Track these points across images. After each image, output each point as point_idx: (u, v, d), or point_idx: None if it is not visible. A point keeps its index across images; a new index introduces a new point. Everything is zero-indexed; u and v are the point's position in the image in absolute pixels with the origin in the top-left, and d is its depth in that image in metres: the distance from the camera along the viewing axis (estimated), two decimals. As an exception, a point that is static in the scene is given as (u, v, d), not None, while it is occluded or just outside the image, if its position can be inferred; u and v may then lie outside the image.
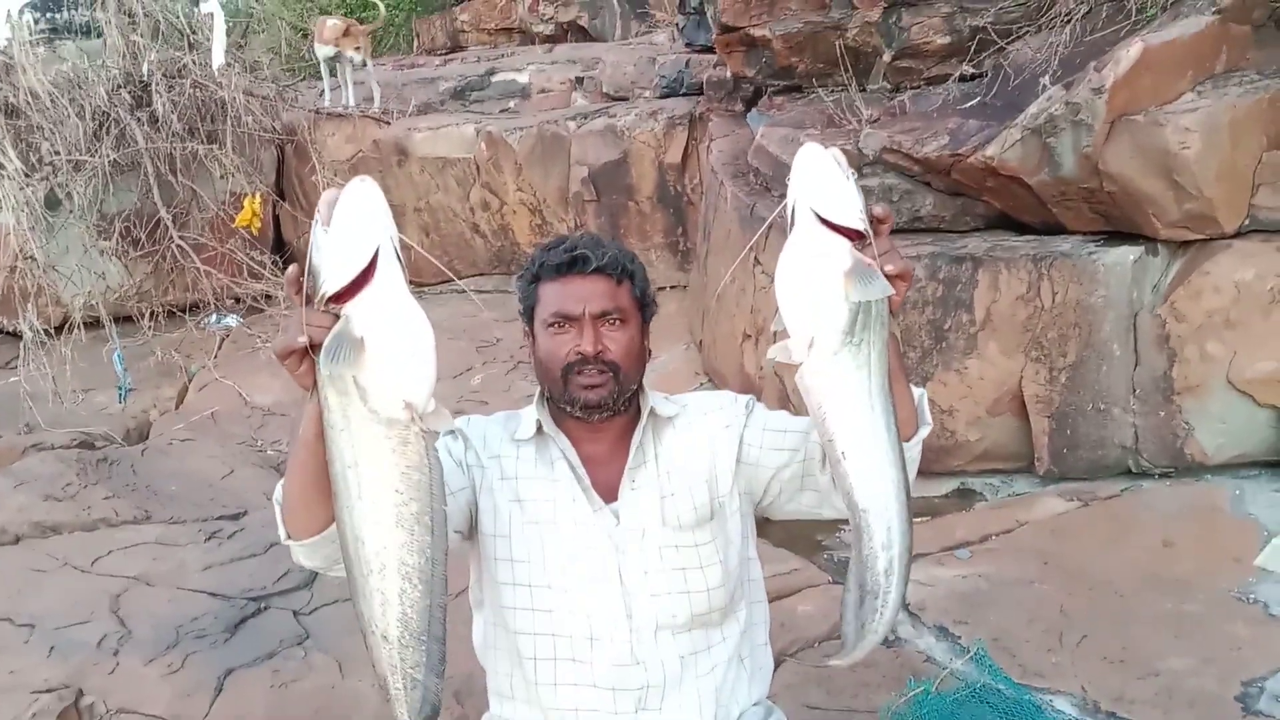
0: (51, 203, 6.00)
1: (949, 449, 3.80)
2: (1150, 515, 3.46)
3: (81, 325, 5.70)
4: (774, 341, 1.37)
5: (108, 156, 6.00)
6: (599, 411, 1.63)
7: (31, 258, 5.77)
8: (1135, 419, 3.63)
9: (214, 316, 6.38)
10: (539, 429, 1.68)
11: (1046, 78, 3.64)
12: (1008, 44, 4.02)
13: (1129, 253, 3.57)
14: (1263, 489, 3.52)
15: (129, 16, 6.57)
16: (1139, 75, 3.40)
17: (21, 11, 6.86)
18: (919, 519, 3.70)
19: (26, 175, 5.89)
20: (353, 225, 1.19)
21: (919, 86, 4.34)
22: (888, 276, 1.30)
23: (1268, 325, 3.49)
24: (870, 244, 1.31)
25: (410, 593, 1.28)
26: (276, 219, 6.93)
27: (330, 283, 1.19)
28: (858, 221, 1.29)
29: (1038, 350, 3.65)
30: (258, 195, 6.19)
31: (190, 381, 5.72)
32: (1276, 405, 3.52)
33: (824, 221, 1.29)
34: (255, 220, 6.03)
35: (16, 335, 5.65)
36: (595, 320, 1.60)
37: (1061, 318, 3.60)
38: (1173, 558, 3.21)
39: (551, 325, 1.62)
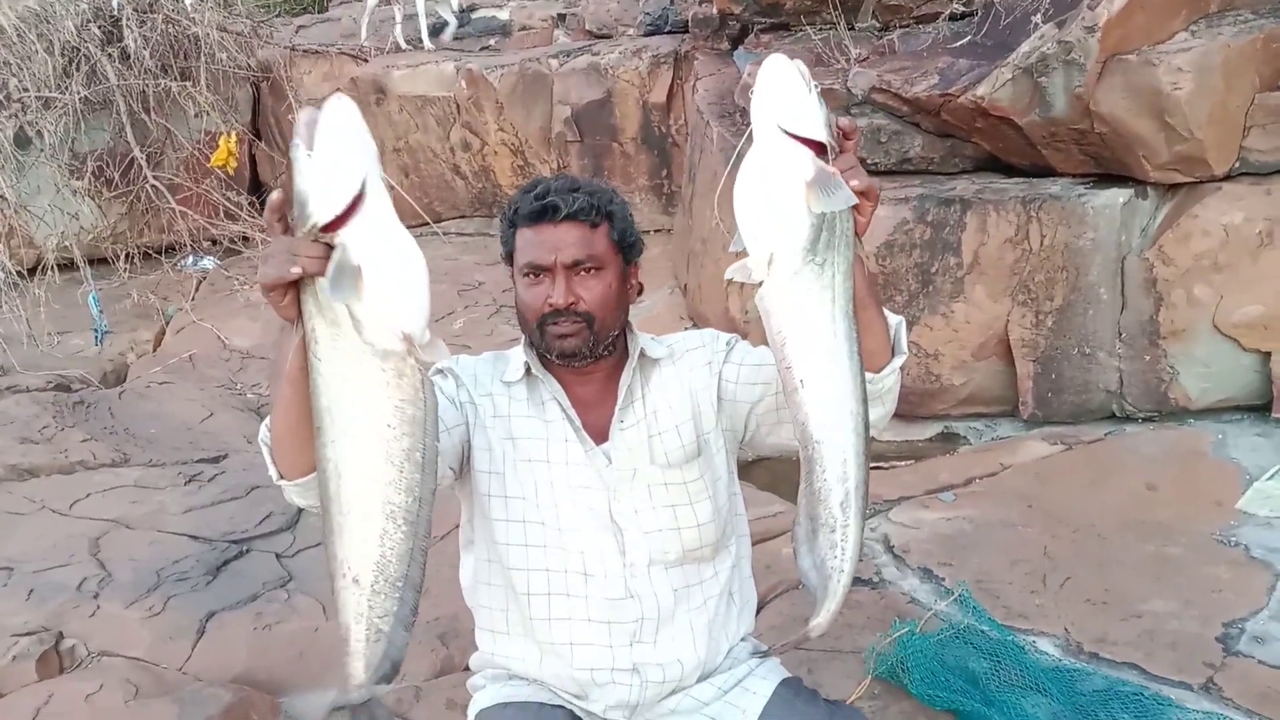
0: (21, 141, 5.87)
1: (934, 393, 3.79)
2: (1133, 459, 3.48)
3: (55, 267, 5.62)
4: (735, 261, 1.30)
5: (78, 94, 5.88)
6: (576, 360, 1.62)
7: (2, 197, 5.66)
8: (1120, 363, 3.63)
9: (190, 258, 6.31)
10: (527, 371, 1.66)
11: (1038, 16, 3.58)
12: (999, -19, 3.95)
13: (1118, 195, 3.55)
14: (1245, 433, 3.54)
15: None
16: (1132, 13, 3.35)
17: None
18: (903, 462, 3.71)
19: (-6, 112, 5.76)
20: (340, 148, 1.11)
21: (908, 25, 4.28)
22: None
23: (1255, 269, 3.48)
24: (834, 156, 1.24)
25: (393, 534, 1.22)
26: (253, 159, 6.82)
27: (323, 210, 1.12)
28: (821, 132, 1.23)
29: (1024, 294, 3.64)
30: (233, 134, 6.07)
31: (168, 324, 5.66)
32: (1261, 349, 3.53)
33: (787, 135, 1.23)
34: (231, 160, 5.92)
35: (-12, 277, 5.55)
36: (567, 270, 1.57)
37: (1049, 261, 3.58)
38: (1155, 501, 3.22)
39: (526, 275, 1.60)
